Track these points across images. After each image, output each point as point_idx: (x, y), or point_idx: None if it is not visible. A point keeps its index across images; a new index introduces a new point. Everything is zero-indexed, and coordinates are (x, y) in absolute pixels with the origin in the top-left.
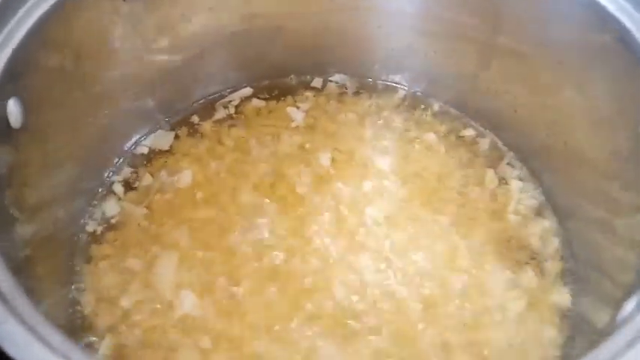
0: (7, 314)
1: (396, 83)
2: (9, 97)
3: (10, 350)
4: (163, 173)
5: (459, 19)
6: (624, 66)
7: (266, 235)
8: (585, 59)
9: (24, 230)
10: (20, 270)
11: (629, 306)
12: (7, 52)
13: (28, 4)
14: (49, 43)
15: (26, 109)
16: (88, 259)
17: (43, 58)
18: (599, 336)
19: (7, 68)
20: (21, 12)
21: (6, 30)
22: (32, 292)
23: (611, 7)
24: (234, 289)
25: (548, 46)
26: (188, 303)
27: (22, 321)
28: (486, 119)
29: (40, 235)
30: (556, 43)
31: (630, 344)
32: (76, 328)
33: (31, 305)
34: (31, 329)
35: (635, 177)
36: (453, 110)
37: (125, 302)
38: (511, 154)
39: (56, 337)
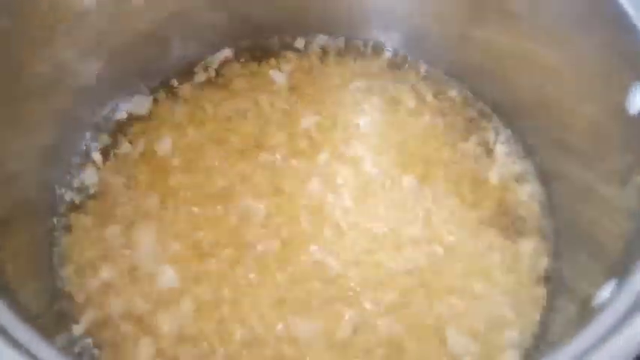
0: None
1: (381, 45)
2: None
3: None
4: (142, 140)
5: None
6: (612, 32)
7: (249, 202)
8: (574, 23)
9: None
10: None
11: (607, 290)
12: None
13: None
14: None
15: None
16: (68, 229)
17: (10, 21)
18: (579, 306)
19: None
20: None
21: None
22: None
23: None
24: (215, 258)
25: (537, 7)
26: (167, 277)
27: None
28: (473, 82)
29: (14, 202)
30: (545, 5)
31: (607, 334)
32: (56, 299)
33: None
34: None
35: (620, 143)
36: (439, 73)
37: (105, 273)
38: (497, 117)
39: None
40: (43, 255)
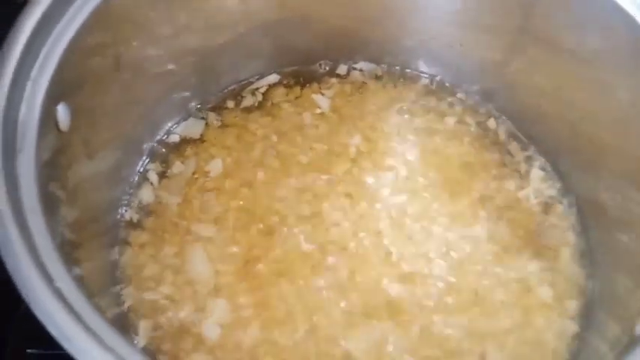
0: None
1: (420, 72)
2: (58, 103)
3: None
4: (195, 161)
5: (488, 10)
6: None
7: (296, 226)
8: (612, 60)
9: (68, 213)
10: (66, 252)
11: None
12: (55, 59)
13: (68, 14)
14: (92, 45)
15: (72, 111)
16: (127, 246)
17: (87, 60)
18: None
19: (56, 74)
20: (63, 20)
21: (51, 39)
22: (77, 275)
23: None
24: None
25: (577, 43)
26: (220, 311)
27: (71, 309)
28: (510, 112)
29: (82, 219)
30: (585, 41)
31: None
32: (117, 315)
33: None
34: (78, 316)
35: None
36: (477, 101)
37: (163, 290)
38: (533, 147)
39: (102, 326)
40: (106, 271)
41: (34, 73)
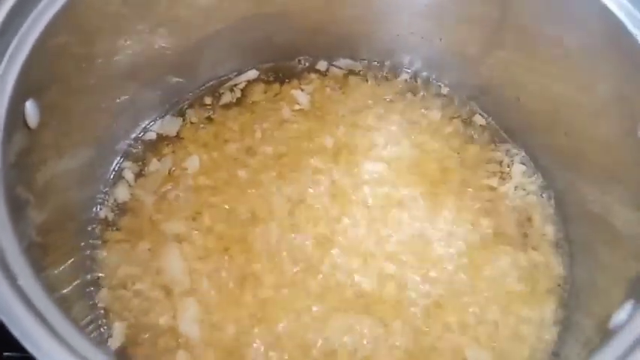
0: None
1: (400, 68)
2: (26, 100)
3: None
4: (172, 159)
5: (466, 4)
6: (625, 65)
7: (272, 221)
8: (589, 54)
9: (37, 215)
10: (34, 254)
11: (623, 313)
12: (22, 56)
13: (37, 9)
14: (61, 41)
15: (41, 108)
16: (101, 245)
17: (56, 57)
18: (595, 327)
19: (23, 71)
20: (32, 14)
21: (18, 35)
22: (47, 277)
23: (616, 11)
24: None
25: (555, 36)
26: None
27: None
28: (489, 105)
29: (53, 219)
30: (561, 36)
31: (624, 356)
32: (93, 313)
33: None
34: (44, 319)
35: (631, 173)
36: (456, 95)
37: (137, 288)
38: (513, 141)
39: (69, 330)
40: (80, 272)
41: (0, 69)
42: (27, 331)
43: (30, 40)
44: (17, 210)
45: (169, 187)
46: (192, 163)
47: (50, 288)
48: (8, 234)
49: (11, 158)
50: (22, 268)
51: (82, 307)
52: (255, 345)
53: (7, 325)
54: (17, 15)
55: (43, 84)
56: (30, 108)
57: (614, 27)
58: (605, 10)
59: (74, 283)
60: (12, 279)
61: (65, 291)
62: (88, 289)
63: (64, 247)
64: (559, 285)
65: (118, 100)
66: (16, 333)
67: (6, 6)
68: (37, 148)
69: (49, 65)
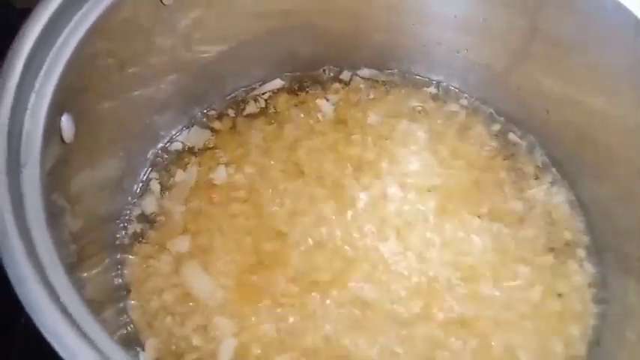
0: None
1: (426, 78)
2: (62, 114)
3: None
4: (198, 170)
5: (493, 15)
6: None
7: (298, 230)
8: (620, 67)
9: (72, 223)
10: (70, 265)
11: None
12: (58, 70)
13: (72, 23)
14: (95, 54)
15: (76, 121)
16: (130, 257)
17: (90, 70)
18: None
19: (59, 85)
20: (67, 29)
21: (54, 49)
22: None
23: None
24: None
25: (583, 50)
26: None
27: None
28: (517, 118)
29: (86, 229)
30: (591, 47)
31: None
32: (122, 330)
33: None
34: (84, 333)
35: None
36: (483, 107)
37: (164, 301)
38: (541, 152)
39: (107, 343)
40: (110, 285)
41: (37, 84)
42: (67, 345)
43: (65, 54)
44: (54, 219)
45: (196, 199)
46: (219, 174)
47: (85, 301)
48: (47, 244)
49: (48, 169)
50: (61, 280)
51: (113, 320)
52: None
53: (50, 341)
54: (52, 30)
55: (77, 97)
56: (65, 122)
57: None
58: (634, 18)
59: (105, 296)
60: (54, 295)
61: (97, 303)
62: (118, 304)
63: (96, 258)
64: (591, 305)
65: (146, 111)
66: (58, 348)
67: (41, 21)
68: (71, 159)
69: (83, 78)
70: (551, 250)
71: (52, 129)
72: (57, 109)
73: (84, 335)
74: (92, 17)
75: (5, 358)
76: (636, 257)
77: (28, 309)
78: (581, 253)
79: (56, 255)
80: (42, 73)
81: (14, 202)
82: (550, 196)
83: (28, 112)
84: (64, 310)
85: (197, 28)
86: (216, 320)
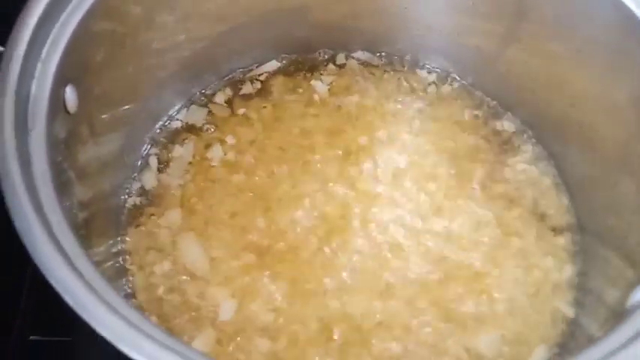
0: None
1: (419, 62)
2: (66, 85)
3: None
4: (196, 148)
5: (483, 0)
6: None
7: (294, 210)
8: (605, 51)
9: (79, 191)
10: (78, 231)
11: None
12: (63, 42)
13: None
14: (98, 30)
15: (79, 94)
16: (130, 228)
17: (93, 44)
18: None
19: (64, 57)
20: (70, 5)
21: (59, 21)
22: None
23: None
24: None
25: (570, 33)
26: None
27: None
28: (505, 99)
29: (90, 199)
30: (578, 32)
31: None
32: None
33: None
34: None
35: None
36: (473, 89)
37: (160, 273)
38: (528, 133)
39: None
40: (111, 249)
41: (44, 53)
42: (81, 300)
43: (70, 27)
44: (61, 185)
45: (193, 174)
46: (216, 152)
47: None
48: (55, 207)
49: (54, 136)
50: (69, 242)
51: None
52: None
53: (63, 296)
54: (58, 3)
55: (81, 70)
56: (69, 93)
57: (628, 20)
58: (621, 4)
59: (108, 263)
60: (64, 255)
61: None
62: (121, 270)
63: (100, 229)
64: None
65: (146, 89)
66: (71, 302)
67: None
68: (75, 131)
69: (87, 52)
70: (537, 228)
71: (56, 98)
72: (61, 79)
73: (88, 284)
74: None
75: (15, 304)
76: (617, 234)
77: (42, 270)
78: (566, 232)
79: (62, 215)
80: (47, 44)
81: (22, 164)
82: (536, 176)
83: (35, 80)
84: (70, 263)
85: (196, 8)
86: (212, 290)
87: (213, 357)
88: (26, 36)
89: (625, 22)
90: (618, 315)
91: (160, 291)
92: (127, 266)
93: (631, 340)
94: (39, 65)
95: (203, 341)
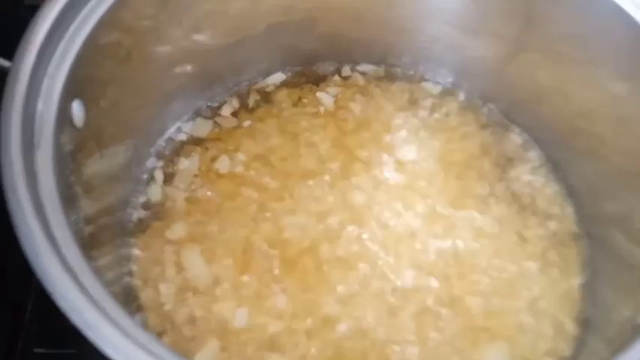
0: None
1: (424, 74)
2: (73, 100)
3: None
4: (202, 161)
5: (489, 12)
6: None
7: (300, 221)
8: (613, 61)
9: (84, 206)
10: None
11: None
12: (71, 56)
13: (82, 14)
14: (106, 44)
15: (86, 108)
16: (136, 242)
17: (101, 59)
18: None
19: (71, 71)
20: (80, 16)
21: (67, 35)
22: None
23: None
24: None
25: (577, 44)
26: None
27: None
28: (511, 110)
29: (96, 215)
30: (585, 43)
31: None
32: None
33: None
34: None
35: None
36: (479, 101)
37: (165, 290)
38: (534, 143)
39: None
40: (117, 265)
41: (50, 69)
42: (86, 318)
43: (77, 42)
44: (68, 202)
45: (199, 187)
46: (222, 164)
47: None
48: (61, 223)
49: (60, 153)
50: (76, 259)
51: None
52: None
53: (68, 314)
54: (66, 16)
55: (88, 84)
56: (76, 108)
57: (636, 32)
58: (627, 16)
59: (114, 278)
60: (70, 271)
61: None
62: (126, 283)
63: (104, 240)
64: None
65: (152, 102)
66: (76, 321)
67: (56, 8)
68: (82, 145)
69: (94, 66)
70: (542, 238)
71: (63, 113)
72: (68, 94)
73: (100, 309)
74: (102, 9)
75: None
76: (622, 244)
77: (47, 287)
78: (572, 241)
79: (68, 229)
80: (55, 59)
81: (29, 180)
82: (542, 186)
83: (42, 96)
84: (82, 288)
85: (202, 21)
86: (217, 304)
87: None
88: (33, 51)
89: (633, 36)
90: (628, 331)
91: (166, 305)
92: (134, 280)
93: None
94: (46, 80)
95: (208, 354)
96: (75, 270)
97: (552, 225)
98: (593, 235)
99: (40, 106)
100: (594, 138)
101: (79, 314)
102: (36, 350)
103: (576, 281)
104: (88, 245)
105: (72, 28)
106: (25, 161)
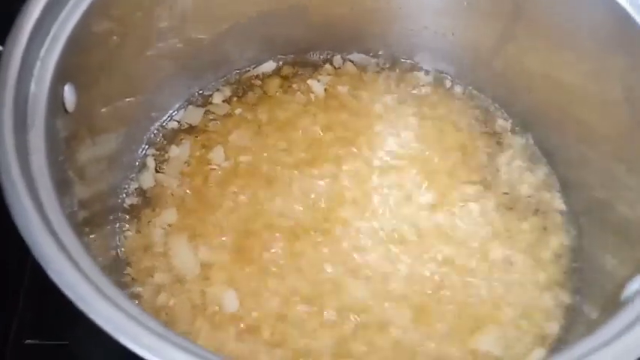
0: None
1: (414, 62)
2: (64, 84)
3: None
4: (194, 149)
5: (479, 1)
6: (634, 57)
7: (292, 209)
8: (600, 48)
9: (80, 191)
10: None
11: (634, 286)
12: (62, 41)
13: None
14: (97, 30)
15: (78, 93)
16: (127, 228)
17: (92, 44)
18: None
19: (62, 56)
20: (69, 5)
21: (58, 20)
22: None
23: (631, 10)
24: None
25: (565, 32)
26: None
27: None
28: (501, 97)
29: (89, 200)
30: (573, 30)
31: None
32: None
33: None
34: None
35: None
36: (469, 90)
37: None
38: (524, 131)
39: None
40: (110, 256)
41: (42, 52)
42: (82, 295)
43: (69, 26)
44: (61, 184)
45: (190, 175)
46: (214, 153)
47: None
48: (54, 205)
49: (53, 135)
50: (68, 237)
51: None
52: None
53: (64, 291)
54: (57, 2)
55: (79, 69)
56: (68, 92)
57: (622, 19)
58: (615, 3)
59: (107, 263)
60: (64, 250)
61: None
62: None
63: (99, 228)
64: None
65: (144, 89)
66: (72, 297)
67: None
68: (74, 130)
69: (85, 51)
70: (531, 223)
71: (55, 97)
72: (60, 78)
73: (87, 277)
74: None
75: (12, 308)
76: (613, 230)
77: (43, 265)
78: (560, 229)
79: (61, 213)
80: (46, 43)
81: (21, 161)
82: (531, 172)
83: (34, 78)
84: (69, 257)
85: (194, 9)
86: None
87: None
88: (25, 35)
89: (619, 22)
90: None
91: (156, 291)
92: (125, 265)
93: (623, 332)
94: (38, 63)
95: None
96: (68, 247)
97: (541, 210)
98: (582, 221)
99: (32, 87)
100: (583, 125)
101: (73, 289)
102: (27, 341)
103: (565, 265)
104: (81, 229)
105: (63, 12)
106: (18, 141)
